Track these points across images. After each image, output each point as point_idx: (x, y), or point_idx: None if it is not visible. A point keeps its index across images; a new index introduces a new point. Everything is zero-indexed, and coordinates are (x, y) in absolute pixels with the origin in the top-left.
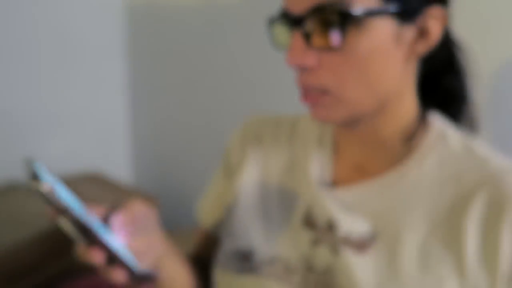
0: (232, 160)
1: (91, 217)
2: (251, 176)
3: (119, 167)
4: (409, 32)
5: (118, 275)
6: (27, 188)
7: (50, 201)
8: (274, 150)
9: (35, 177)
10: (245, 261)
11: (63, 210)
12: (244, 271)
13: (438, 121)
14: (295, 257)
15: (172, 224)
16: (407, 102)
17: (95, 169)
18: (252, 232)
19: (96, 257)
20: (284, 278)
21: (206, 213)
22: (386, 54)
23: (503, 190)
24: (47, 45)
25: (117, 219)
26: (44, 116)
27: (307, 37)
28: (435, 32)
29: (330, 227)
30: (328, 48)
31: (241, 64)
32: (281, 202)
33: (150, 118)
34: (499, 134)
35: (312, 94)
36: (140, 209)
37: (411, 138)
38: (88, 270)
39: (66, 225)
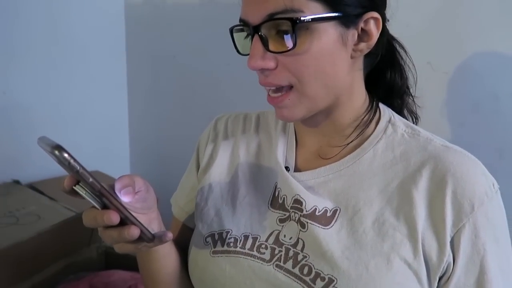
0: (203, 154)
1: (103, 184)
2: (221, 166)
3: (118, 166)
4: (351, 34)
5: (134, 231)
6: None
7: (70, 167)
8: (243, 141)
9: (57, 147)
10: (219, 241)
11: (81, 176)
12: (218, 251)
13: (387, 110)
14: (265, 233)
15: (170, 223)
16: (357, 95)
17: (94, 168)
18: (224, 217)
19: (113, 218)
20: (255, 254)
21: (179, 205)
22: (334, 53)
23: (443, 165)
24: (46, 44)
25: (121, 184)
26: (44, 115)
27: (264, 43)
28: (373, 34)
29: (297, 205)
30: (284, 52)
31: (240, 64)
32: (250, 186)
33: (150, 118)
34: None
35: (276, 96)
36: (140, 182)
37: (364, 126)
38: (87, 270)
39: (83, 191)
